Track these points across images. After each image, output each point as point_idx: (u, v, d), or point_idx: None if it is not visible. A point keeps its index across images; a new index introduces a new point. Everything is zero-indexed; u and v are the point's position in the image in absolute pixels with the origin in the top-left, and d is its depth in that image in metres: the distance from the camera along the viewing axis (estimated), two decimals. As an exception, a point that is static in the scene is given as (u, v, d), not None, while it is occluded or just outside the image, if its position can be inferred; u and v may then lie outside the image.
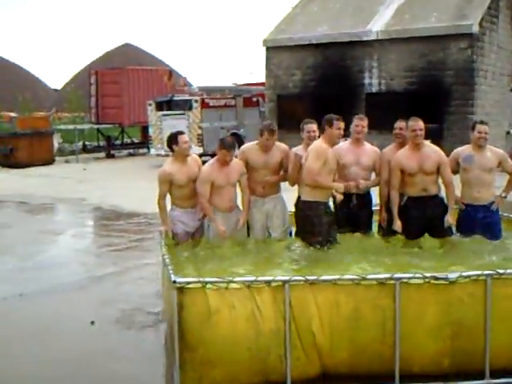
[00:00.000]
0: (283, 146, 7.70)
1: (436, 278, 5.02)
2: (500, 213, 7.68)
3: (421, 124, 7.10)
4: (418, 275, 5.07)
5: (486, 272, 5.11)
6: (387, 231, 7.42)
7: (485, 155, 7.42)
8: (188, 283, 4.92)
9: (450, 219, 7.11)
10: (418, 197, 7.20)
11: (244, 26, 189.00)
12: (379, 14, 22.31)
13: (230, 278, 4.97)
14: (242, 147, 7.90)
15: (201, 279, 4.98)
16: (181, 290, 4.90)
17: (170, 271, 5.16)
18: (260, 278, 5.00)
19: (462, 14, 20.65)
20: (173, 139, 7.36)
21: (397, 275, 5.02)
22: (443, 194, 7.40)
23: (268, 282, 4.96)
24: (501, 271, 5.16)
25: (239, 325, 4.92)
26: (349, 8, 23.46)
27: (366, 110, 21.38)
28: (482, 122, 7.66)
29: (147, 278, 8.91)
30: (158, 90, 29.74)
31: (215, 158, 7.35)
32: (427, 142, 7.25)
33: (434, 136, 20.46)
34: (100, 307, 7.88)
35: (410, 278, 5.04)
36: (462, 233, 7.37)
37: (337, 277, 5.04)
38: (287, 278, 4.97)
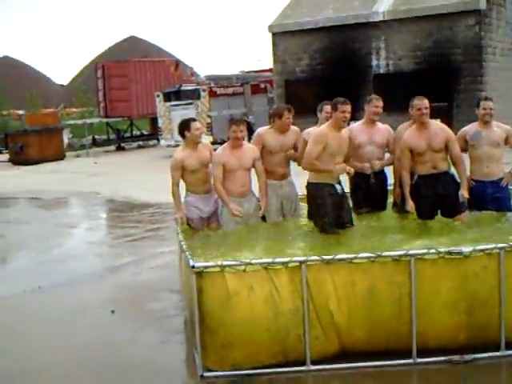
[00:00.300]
0: (295, 128, 7.81)
1: (450, 253, 5.08)
2: (510, 187, 7.74)
3: (426, 102, 7.12)
4: (432, 251, 5.11)
5: (499, 245, 5.16)
6: (402, 208, 7.48)
7: (492, 130, 7.48)
8: (206, 267, 5.00)
9: (465, 193, 7.13)
10: (429, 174, 7.23)
11: (249, 12, 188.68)
12: (385, -6, 22.22)
13: (248, 261, 5.05)
14: (258, 130, 7.94)
15: (219, 263, 5.06)
16: (199, 274, 4.98)
17: (189, 256, 5.23)
18: (277, 260, 5.07)
19: (469, -10, 20.53)
20: (185, 126, 7.44)
21: (411, 251, 5.09)
22: (453, 171, 7.43)
23: (285, 263, 5.03)
24: (513, 244, 5.20)
25: (258, 306, 5.00)
26: (354, -10, 23.36)
27: (374, 91, 21.24)
28: (486, 99, 7.73)
29: (164, 265, 9.02)
30: (165, 81, 29.83)
31: (227, 142, 7.40)
32: (433, 120, 7.27)
33: (444, 114, 20.55)
34: (119, 296, 7.99)
35: (424, 254, 5.09)
36: (473, 209, 7.38)
37: (352, 255, 5.10)
38: (304, 258, 5.04)
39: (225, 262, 5.07)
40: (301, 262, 5.00)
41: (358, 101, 21.13)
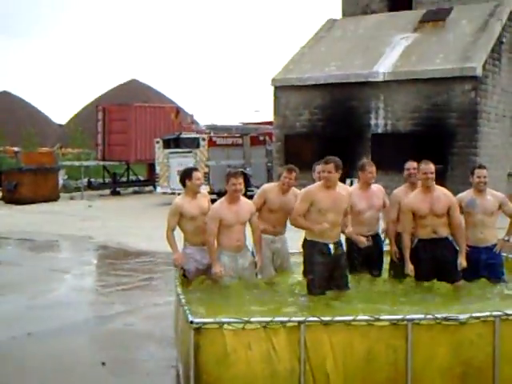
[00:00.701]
0: (297, 190, 7.89)
1: (447, 319, 5.15)
2: (503, 254, 7.87)
3: (432, 167, 7.32)
4: (429, 316, 5.19)
5: (494, 313, 5.25)
6: (399, 271, 7.57)
7: (486, 199, 7.69)
8: (205, 323, 5.03)
9: (463, 262, 7.26)
10: (429, 239, 7.36)
11: (250, 64, 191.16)
12: (386, 55, 22.65)
13: (247, 319, 5.08)
14: (263, 186, 8.21)
15: (218, 319, 5.09)
16: (198, 330, 5.01)
17: (187, 311, 5.27)
18: (276, 319, 5.12)
19: (466, 57, 20.98)
20: (187, 174, 7.55)
21: (409, 316, 5.16)
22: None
23: (283, 323, 5.07)
24: (509, 312, 5.31)
25: (255, 365, 5.02)
26: (356, 49, 23.84)
27: (372, 150, 21.62)
28: (480, 167, 7.96)
29: (157, 317, 8.97)
30: (164, 127, 30.03)
31: (225, 196, 7.47)
32: (438, 186, 7.43)
33: (438, 176, 20.59)
34: (110, 348, 7.93)
35: (421, 319, 5.15)
36: (467, 274, 7.50)
37: (351, 317, 5.16)
38: (302, 318, 5.09)
39: (224, 319, 5.11)
40: (299, 322, 5.05)
41: (355, 158, 21.60)
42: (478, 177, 7.77)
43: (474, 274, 7.54)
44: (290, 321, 5.08)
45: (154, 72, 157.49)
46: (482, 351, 5.19)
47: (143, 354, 7.56)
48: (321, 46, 25.31)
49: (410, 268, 7.31)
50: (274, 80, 24.14)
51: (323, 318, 5.09)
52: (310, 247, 7.04)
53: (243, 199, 7.48)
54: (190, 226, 7.48)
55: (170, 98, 78.58)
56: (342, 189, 7.17)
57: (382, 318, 5.16)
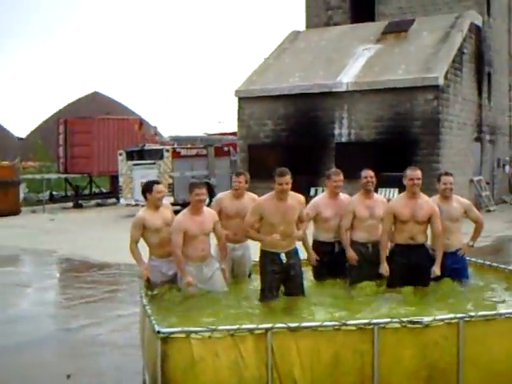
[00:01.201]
0: (253, 195, 8.03)
1: (412, 322, 5.18)
2: (468, 258, 7.96)
3: (419, 173, 7.43)
4: (395, 320, 5.22)
5: (458, 315, 5.30)
6: (357, 273, 7.64)
7: (451, 206, 7.75)
8: (172, 333, 4.97)
9: (437, 271, 7.32)
10: (405, 244, 7.44)
11: (214, 75, 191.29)
12: (349, 66, 22.90)
13: (214, 327, 5.04)
14: (218, 195, 8.30)
15: (185, 329, 5.03)
16: (165, 339, 4.94)
17: (153, 321, 5.20)
18: (243, 326, 5.08)
19: (428, 67, 21.30)
20: (147, 188, 7.48)
21: (375, 320, 5.17)
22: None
23: (251, 330, 5.04)
24: (472, 314, 5.37)
25: (222, 373, 4.97)
26: (320, 60, 24.04)
27: (336, 159, 21.80)
28: (446, 174, 8.03)
29: (122, 329, 8.90)
30: (128, 139, 29.85)
31: (187, 208, 7.39)
32: (422, 194, 7.48)
33: (402, 184, 20.85)
34: (75, 360, 7.83)
35: (387, 323, 5.18)
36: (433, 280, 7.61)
37: (317, 323, 5.15)
38: (269, 325, 5.06)
39: (191, 328, 5.05)
40: (266, 330, 5.02)
41: (320, 167, 21.76)
42: (445, 183, 7.83)
43: (440, 279, 7.61)
44: (257, 328, 5.05)
45: (117, 84, 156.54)
46: (447, 353, 5.22)
47: (109, 365, 7.48)
48: (284, 57, 25.49)
49: (384, 267, 7.37)
50: (237, 91, 24.21)
51: (290, 325, 5.07)
52: (263, 257, 7.10)
53: (206, 209, 7.43)
54: (154, 239, 7.41)
55: (132, 110, 78.05)
56: (294, 198, 7.16)
57: (348, 323, 5.16)
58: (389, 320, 5.20)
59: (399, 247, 7.48)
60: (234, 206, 7.78)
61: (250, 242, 7.89)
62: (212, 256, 7.54)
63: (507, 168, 28.67)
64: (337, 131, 22.50)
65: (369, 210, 7.72)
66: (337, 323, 5.14)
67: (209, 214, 7.41)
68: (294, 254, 7.17)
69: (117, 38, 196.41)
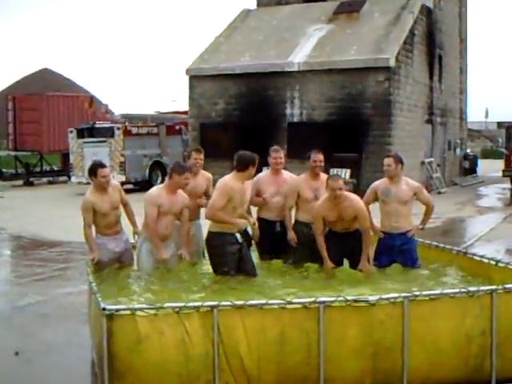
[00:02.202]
0: (207, 173, 8.09)
1: (357, 301, 5.24)
2: (417, 239, 8.09)
3: (340, 183, 7.39)
4: (340, 298, 5.26)
5: (403, 294, 5.38)
6: (299, 254, 7.80)
7: (400, 189, 7.85)
8: (117, 310, 4.96)
9: (364, 267, 7.42)
10: (339, 232, 7.55)
11: (167, 53, 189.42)
12: (300, 46, 22.90)
13: (160, 305, 5.03)
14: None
15: (130, 306, 5.03)
16: (110, 317, 4.92)
17: (99, 298, 5.18)
18: (189, 304, 5.08)
19: (380, 48, 21.45)
20: (92, 171, 7.42)
21: (320, 299, 5.21)
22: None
23: (197, 308, 5.05)
24: (416, 293, 5.45)
25: (169, 351, 4.97)
26: (272, 39, 23.99)
27: (288, 139, 21.85)
28: (388, 156, 8.18)
29: (71, 307, 8.80)
30: (78, 116, 29.61)
31: (165, 183, 7.40)
32: (349, 195, 7.53)
33: (354, 165, 21.21)
34: (24, 338, 7.73)
35: (332, 302, 5.23)
36: (381, 260, 7.79)
37: (263, 302, 5.17)
38: (215, 303, 5.06)
39: (136, 306, 5.05)
40: (212, 307, 5.03)
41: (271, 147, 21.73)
42: (389, 165, 7.95)
43: (388, 260, 7.74)
44: (202, 306, 5.05)
45: (68, 61, 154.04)
46: (392, 332, 5.29)
47: (57, 342, 7.41)
48: (236, 35, 25.37)
49: (329, 264, 7.45)
50: (188, 70, 24.04)
51: (236, 303, 5.09)
52: (219, 239, 7.06)
53: (179, 192, 7.40)
54: (102, 221, 7.41)
55: (84, 87, 76.79)
56: (246, 183, 7.25)
57: (294, 301, 5.20)
58: (334, 298, 5.25)
59: (333, 233, 7.64)
60: (191, 184, 7.68)
61: (202, 221, 7.91)
62: (172, 239, 7.53)
63: (458, 150, 29.12)
64: (288, 111, 22.54)
65: (314, 191, 7.83)
66: (282, 301, 5.18)
67: (181, 196, 7.41)
68: (245, 234, 7.29)
69: (68, 13, 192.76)
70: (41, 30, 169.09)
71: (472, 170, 31.13)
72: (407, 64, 22.63)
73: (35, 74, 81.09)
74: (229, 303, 5.08)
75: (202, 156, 7.90)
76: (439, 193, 23.56)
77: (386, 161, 7.95)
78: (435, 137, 25.93)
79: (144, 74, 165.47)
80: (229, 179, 7.06)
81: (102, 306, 4.96)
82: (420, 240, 8.25)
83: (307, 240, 7.67)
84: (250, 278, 7.06)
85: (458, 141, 29.52)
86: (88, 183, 24.43)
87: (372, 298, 5.27)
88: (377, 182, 8.19)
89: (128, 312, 4.96)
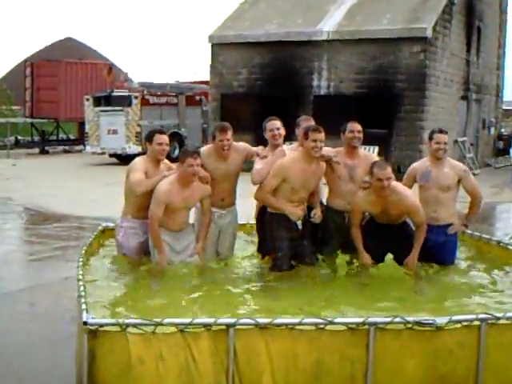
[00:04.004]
0: (242, 145, 6.80)
1: (420, 324, 4.00)
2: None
3: (389, 172, 6.14)
4: (397, 319, 4.02)
5: (480, 316, 4.13)
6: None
7: (443, 172, 6.61)
8: (102, 325, 3.79)
9: (412, 263, 6.23)
10: (382, 223, 6.34)
11: (190, 23, 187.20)
12: (330, 14, 21.48)
13: (159, 320, 3.84)
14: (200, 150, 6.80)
15: (120, 320, 3.83)
16: (93, 333, 3.76)
17: (83, 306, 4.00)
18: (197, 321, 3.90)
19: (416, 17, 19.98)
20: (148, 137, 6.48)
21: (371, 319, 3.98)
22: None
23: (207, 326, 3.87)
24: (498, 315, 4.17)
25: (169, 380, 3.80)
26: (299, 6, 22.55)
27: (314, 112, 20.50)
28: (441, 131, 6.83)
29: (65, 295, 7.65)
30: (97, 84, 28.94)
31: (175, 175, 6.18)
32: (397, 185, 6.28)
33: (382, 142, 19.95)
34: (6, 332, 6.66)
35: (387, 323, 4.00)
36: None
37: (296, 320, 3.97)
38: (232, 320, 3.88)
39: (128, 320, 3.86)
40: (228, 326, 3.85)
41: (295, 121, 20.56)
42: (437, 142, 6.67)
43: (423, 257, 6.51)
44: (215, 323, 3.87)
45: (90, 30, 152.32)
46: (463, 364, 4.06)
47: (40, 349, 6.27)
48: (261, 2, 23.98)
49: (365, 257, 6.28)
50: (210, 37, 22.75)
51: (259, 320, 3.90)
52: (275, 221, 6.18)
53: (196, 183, 6.22)
54: (143, 202, 6.24)
55: (106, 56, 75.78)
56: (319, 163, 6.24)
57: (336, 321, 3.99)
58: (389, 319, 4.01)
59: (375, 222, 6.42)
60: (222, 167, 6.50)
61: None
62: (191, 226, 6.49)
63: (492, 129, 27.64)
64: (315, 83, 21.15)
65: (348, 170, 6.51)
66: (321, 321, 3.97)
67: (199, 188, 6.25)
68: (305, 218, 6.34)
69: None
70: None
71: (506, 151, 29.63)
72: (445, 35, 21.11)
73: (58, 42, 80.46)
74: (250, 321, 3.89)
75: (228, 135, 6.44)
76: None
77: (439, 137, 6.66)
78: (469, 114, 24.44)
79: (166, 43, 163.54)
80: (287, 157, 6.15)
81: (84, 318, 3.79)
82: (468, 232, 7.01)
83: (340, 231, 6.46)
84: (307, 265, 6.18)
85: (493, 119, 27.97)
86: (103, 153, 23.93)
87: (440, 321, 4.02)
88: (415, 164, 6.98)
89: (117, 328, 3.78)
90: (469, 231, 7.02)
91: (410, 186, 6.74)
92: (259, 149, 6.61)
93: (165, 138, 6.43)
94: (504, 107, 32.69)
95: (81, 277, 4.87)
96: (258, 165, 6.29)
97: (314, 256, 6.36)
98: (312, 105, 20.96)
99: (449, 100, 21.76)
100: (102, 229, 6.89)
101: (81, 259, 5.52)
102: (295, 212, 6.13)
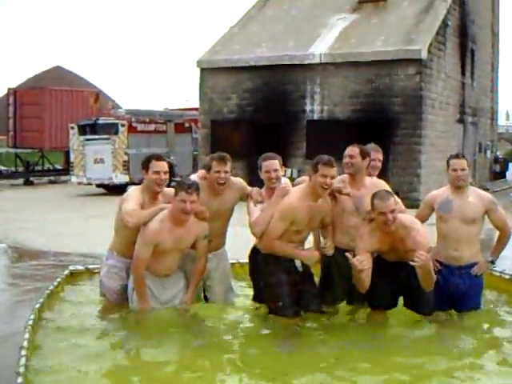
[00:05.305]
0: (238, 181, 6.03)
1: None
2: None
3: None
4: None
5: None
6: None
7: (467, 202, 5.79)
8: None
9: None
10: (391, 261, 5.54)
11: (181, 49, 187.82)
12: (322, 37, 20.91)
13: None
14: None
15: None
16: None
17: (22, 360, 3.14)
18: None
19: (410, 39, 19.40)
20: (144, 164, 5.84)
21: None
22: None
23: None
24: None
25: None
26: (290, 29, 22.01)
27: (307, 138, 19.98)
28: (457, 156, 6.04)
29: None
30: (83, 112, 28.27)
31: (167, 211, 5.41)
32: (404, 218, 5.48)
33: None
34: None
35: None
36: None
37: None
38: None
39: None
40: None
41: (289, 147, 19.86)
42: (455, 170, 5.91)
43: (442, 303, 5.71)
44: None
45: (80, 59, 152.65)
46: None
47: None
48: (251, 26, 23.48)
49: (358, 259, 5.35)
50: (199, 61, 22.14)
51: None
52: (272, 263, 5.38)
53: (193, 219, 5.45)
54: (134, 237, 5.49)
55: (96, 85, 75.37)
56: (323, 200, 5.50)
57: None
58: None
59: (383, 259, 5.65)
60: (214, 203, 5.74)
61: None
62: (178, 271, 5.67)
63: (488, 153, 27.07)
64: (308, 107, 20.50)
65: (354, 201, 5.76)
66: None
67: (195, 225, 5.46)
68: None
69: (82, 9, 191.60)
70: (52, 27, 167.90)
71: (502, 175, 29.07)
72: (440, 57, 20.54)
73: (47, 71, 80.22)
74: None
75: (227, 167, 5.74)
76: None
77: (459, 163, 5.90)
78: (466, 138, 23.84)
79: (157, 71, 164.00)
80: (295, 195, 5.38)
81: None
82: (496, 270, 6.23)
83: (344, 274, 5.63)
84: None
85: (489, 142, 27.44)
86: (89, 184, 23.22)
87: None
88: (435, 192, 6.18)
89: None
90: (497, 269, 6.23)
91: (426, 217, 5.97)
92: (254, 191, 5.79)
93: (163, 166, 5.69)
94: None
95: (24, 352, 3.95)
96: (254, 212, 5.49)
97: (320, 301, 5.62)
98: (305, 130, 20.32)
99: (445, 123, 21.16)
100: (68, 273, 6.06)
101: (31, 318, 4.62)
102: (312, 255, 5.41)
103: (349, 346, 5.05)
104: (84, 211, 17.74)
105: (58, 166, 30.93)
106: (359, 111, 19.70)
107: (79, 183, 23.56)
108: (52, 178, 29.61)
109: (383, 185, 5.99)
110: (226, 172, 5.70)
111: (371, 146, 6.17)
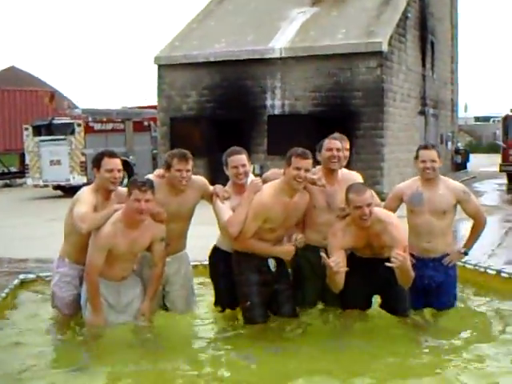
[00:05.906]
0: (200, 179, 5.60)
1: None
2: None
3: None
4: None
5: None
6: None
7: (437, 194, 5.53)
8: None
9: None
10: (366, 257, 5.21)
11: (139, 46, 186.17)
12: (282, 31, 20.60)
13: None
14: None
15: None
16: None
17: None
18: None
19: (370, 32, 19.20)
20: (95, 161, 5.46)
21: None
22: None
23: None
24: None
25: None
26: (250, 23, 21.66)
27: (268, 133, 19.66)
28: (426, 147, 5.80)
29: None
30: (38, 113, 27.60)
31: (121, 212, 5.02)
32: (379, 212, 5.15)
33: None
34: None
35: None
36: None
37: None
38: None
39: None
40: None
41: (250, 143, 19.50)
42: (423, 161, 5.65)
43: (417, 297, 5.42)
44: None
45: (35, 58, 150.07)
46: None
47: None
48: (210, 20, 23.07)
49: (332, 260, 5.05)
50: (157, 58, 21.66)
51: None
52: (244, 261, 5.09)
53: (149, 220, 5.06)
54: (86, 242, 5.11)
55: (52, 85, 74.15)
56: (299, 196, 5.18)
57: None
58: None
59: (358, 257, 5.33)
60: (174, 204, 5.33)
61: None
62: (134, 275, 5.26)
63: (449, 144, 27.11)
64: (269, 102, 20.17)
65: (326, 197, 5.42)
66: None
67: (150, 227, 5.07)
68: (281, 260, 5.27)
69: (37, 8, 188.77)
70: (7, 26, 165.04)
71: (463, 166, 29.21)
72: (400, 50, 20.40)
73: (1, 72, 78.68)
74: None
75: (189, 166, 5.34)
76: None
77: (427, 154, 5.66)
78: (427, 129, 23.83)
79: (113, 69, 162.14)
80: (266, 192, 5.04)
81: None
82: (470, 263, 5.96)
83: (317, 272, 5.29)
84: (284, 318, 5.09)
85: (450, 134, 27.50)
86: (45, 186, 22.58)
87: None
88: (403, 184, 5.88)
89: None
90: (471, 261, 5.96)
91: (394, 210, 5.67)
92: (218, 189, 5.41)
93: (116, 163, 5.32)
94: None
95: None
96: (225, 211, 5.12)
97: (293, 304, 5.27)
98: (266, 125, 20.01)
99: (407, 115, 21.08)
100: (18, 282, 5.61)
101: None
102: (288, 250, 5.09)
103: (322, 347, 4.78)
104: (40, 215, 17.11)
105: (13, 169, 30.03)
106: (321, 105, 19.45)
107: (35, 186, 22.81)
108: (7, 181, 28.63)
109: (356, 177, 5.66)
110: (188, 171, 5.32)
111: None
